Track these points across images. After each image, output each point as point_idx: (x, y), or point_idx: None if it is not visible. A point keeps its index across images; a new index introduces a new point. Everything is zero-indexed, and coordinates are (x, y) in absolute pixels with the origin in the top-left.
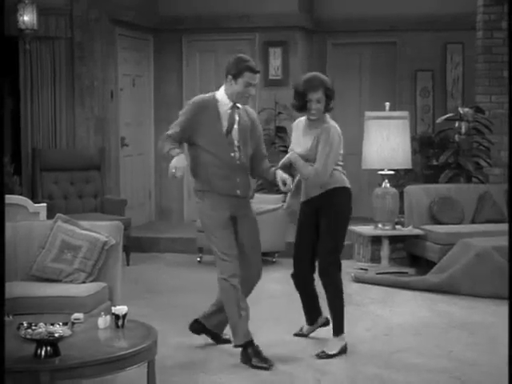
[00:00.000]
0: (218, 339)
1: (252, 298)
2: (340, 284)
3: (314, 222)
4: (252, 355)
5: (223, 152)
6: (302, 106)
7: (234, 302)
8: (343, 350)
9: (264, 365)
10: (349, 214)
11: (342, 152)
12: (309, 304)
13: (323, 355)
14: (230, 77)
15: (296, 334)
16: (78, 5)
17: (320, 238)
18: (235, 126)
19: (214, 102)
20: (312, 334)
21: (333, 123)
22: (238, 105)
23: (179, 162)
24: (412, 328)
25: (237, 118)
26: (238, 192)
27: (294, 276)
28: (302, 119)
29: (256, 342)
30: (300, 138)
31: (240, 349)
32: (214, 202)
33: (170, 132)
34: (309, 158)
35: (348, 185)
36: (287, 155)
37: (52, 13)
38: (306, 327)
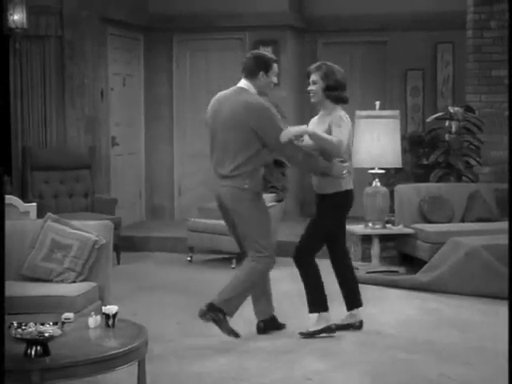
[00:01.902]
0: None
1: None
2: (314, 270)
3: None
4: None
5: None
6: None
7: (255, 284)
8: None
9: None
10: (342, 218)
11: (351, 146)
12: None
13: (305, 333)
14: (261, 73)
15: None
16: (69, 3)
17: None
18: None
19: None
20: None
21: (343, 113)
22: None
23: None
24: (402, 326)
25: None
26: None
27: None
28: (316, 116)
29: (244, 339)
30: (314, 128)
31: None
32: (263, 201)
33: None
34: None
35: (348, 187)
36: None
37: (42, 11)
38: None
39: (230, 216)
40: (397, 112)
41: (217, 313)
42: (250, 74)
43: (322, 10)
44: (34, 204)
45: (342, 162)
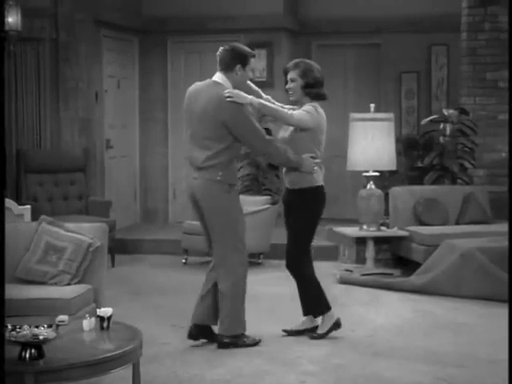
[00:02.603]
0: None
1: None
2: (309, 273)
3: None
4: (241, 341)
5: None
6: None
7: (243, 291)
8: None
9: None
10: (315, 215)
11: (323, 141)
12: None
13: (316, 336)
14: (238, 66)
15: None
16: (63, 6)
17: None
18: None
19: None
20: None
21: (313, 108)
22: None
23: None
24: (396, 329)
25: None
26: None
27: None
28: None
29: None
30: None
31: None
32: (237, 196)
33: (267, 135)
34: (292, 141)
35: (320, 183)
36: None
37: (36, 14)
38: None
39: (202, 212)
40: (391, 114)
41: (233, 339)
42: (226, 67)
43: (316, 13)
44: (29, 206)
45: (313, 157)
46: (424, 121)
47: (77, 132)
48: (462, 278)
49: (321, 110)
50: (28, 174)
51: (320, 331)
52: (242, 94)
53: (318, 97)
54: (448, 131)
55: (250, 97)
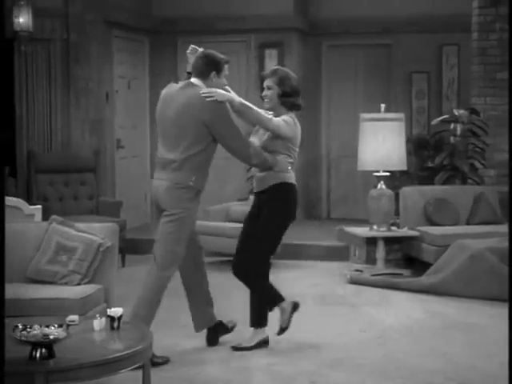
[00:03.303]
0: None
1: (246, 299)
2: (263, 282)
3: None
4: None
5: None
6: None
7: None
8: (262, 343)
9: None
10: (286, 215)
11: (297, 150)
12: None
13: (240, 347)
14: (213, 73)
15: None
16: (74, 6)
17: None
18: None
19: None
20: (305, 336)
21: (291, 119)
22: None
23: None
24: (406, 329)
25: None
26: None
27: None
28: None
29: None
30: (259, 130)
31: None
32: (198, 204)
33: (250, 145)
34: (265, 148)
35: (293, 181)
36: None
37: (47, 14)
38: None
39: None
40: (402, 115)
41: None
42: (201, 74)
43: (326, 13)
44: (39, 206)
45: (288, 157)
46: (434, 121)
47: (87, 132)
48: (472, 278)
49: (298, 122)
50: (39, 174)
51: (246, 344)
52: (220, 91)
53: (294, 106)
54: (458, 131)
55: (230, 94)
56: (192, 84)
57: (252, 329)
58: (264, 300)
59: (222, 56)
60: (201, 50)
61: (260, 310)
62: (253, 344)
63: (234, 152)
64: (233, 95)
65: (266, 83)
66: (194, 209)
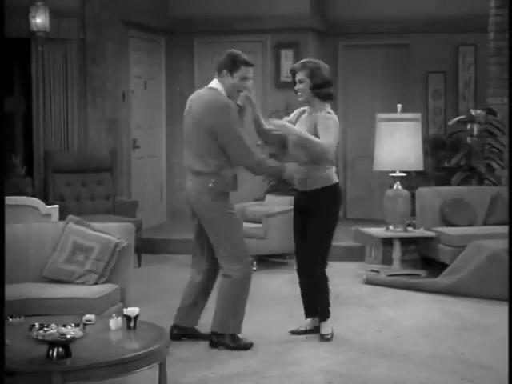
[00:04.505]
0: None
1: (262, 299)
2: (324, 279)
3: (304, 214)
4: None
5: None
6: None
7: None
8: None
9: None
10: (335, 214)
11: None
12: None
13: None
14: (225, 71)
15: (293, 332)
16: (91, 7)
17: (308, 237)
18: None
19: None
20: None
21: (329, 114)
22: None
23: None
24: (423, 330)
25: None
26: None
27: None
28: (302, 109)
29: (266, 343)
30: (301, 123)
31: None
32: (229, 201)
33: (254, 154)
34: (303, 144)
35: (336, 180)
36: (276, 122)
37: (64, 15)
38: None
39: (197, 219)
40: (418, 115)
41: (224, 339)
42: (218, 72)
43: (342, 13)
44: (56, 206)
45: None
46: (451, 121)
47: (104, 132)
48: (489, 279)
49: (335, 116)
50: (55, 173)
51: (325, 332)
52: (288, 126)
53: (328, 97)
54: (475, 131)
55: (291, 129)
56: (210, 89)
57: (322, 323)
58: (327, 292)
59: (242, 57)
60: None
61: (326, 303)
62: (330, 333)
63: (235, 161)
64: (292, 129)
65: (298, 77)
66: (222, 208)
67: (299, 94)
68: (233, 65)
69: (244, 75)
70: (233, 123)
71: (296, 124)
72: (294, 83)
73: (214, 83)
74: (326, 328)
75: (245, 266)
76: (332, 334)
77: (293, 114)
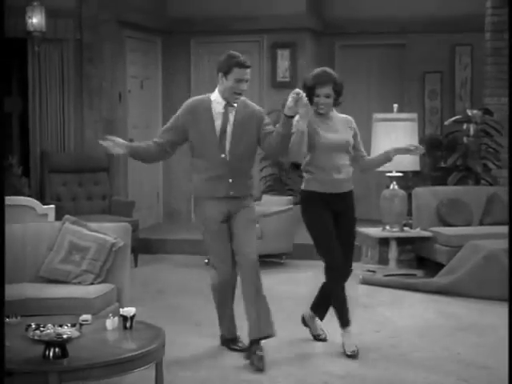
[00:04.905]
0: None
1: None
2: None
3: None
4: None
5: (214, 153)
6: (309, 101)
7: (217, 300)
8: None
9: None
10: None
11: None
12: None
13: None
14: (220, 74)
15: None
16: (87, 7)
17: (349, 243)
18: (229, 126)
19: (208, 103)
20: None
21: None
22: (234, 103)
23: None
24: (420, 330)
25: (231, 117)
26: (232, 193)
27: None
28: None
29: (267, 343)
30: (326, 130)
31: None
32: (206, 208)
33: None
34: (346, 149)
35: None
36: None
37: (61, 15)
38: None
39: None
40: (415, 115)
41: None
42: (216, 74)
43: (339, 13)
44: (53, 206)
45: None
46: (447, 121)
47: (100, 132)
48: (485, 279)
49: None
50: (52, 173)
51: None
52: (302, 123)
53: (338, 104)
54: (472, 131)
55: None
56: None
57: (346, 329)
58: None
59: (236, 59)
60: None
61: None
62: (356, 349)
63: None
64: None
65: (325, 91)
66: (199, 215)
67: (322, 107)
68: (226, 67)
69: (238, 77)
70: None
71: (319, 132)
72: (311, 95)
73: (216, 89)
74: (348, 343)
75: (217, 275)
76: (357, 350)
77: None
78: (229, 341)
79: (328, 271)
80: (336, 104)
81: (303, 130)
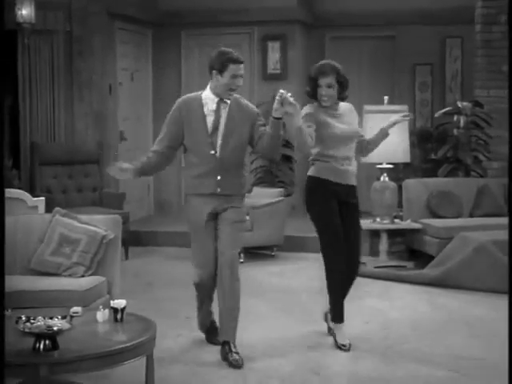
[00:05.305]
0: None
1: (250, 291)
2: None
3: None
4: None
5: (204, 150)
6: (313, 93)
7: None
8: None
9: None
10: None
11: None
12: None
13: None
14: (214, 72)
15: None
16: None
17: (355, 233)
18: (221, 122)
19: (199, 100)
20: (312, 329)
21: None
22: (226, 100)
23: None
24: (410, 322)
25: (224, 113)
26: (219, 190)
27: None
28: (314, 109)
29: (252, 335)
30: (337, 121)
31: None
32: (195, 204)
33: (153, 147)
34: (354, 140)
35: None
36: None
37: (50, 6)
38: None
39: None
40: (405, 107)
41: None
42: (209, 71)
43: (330, 5)
44: (43, 198)
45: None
46: (438, 113)
47: (91, 124)
48: (475, 271)
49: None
50: (42, 166)
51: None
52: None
53: (343, 98)
54: (462, 123)
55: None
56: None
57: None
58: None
59: (230, 56)
60: (284, 92)
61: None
62: (348, 343)
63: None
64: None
65: (327, 81)
66: (187, 211)
67: (325, 99)
68: (221, 64)
69: (234, 73)
70: (165, 124)
71: (330, 123)
72: (314, 88)
73: (207, 87)
74: (340, 335)
75: (196, 275)
76: (349, 344)
77: (307, 116)
78: (209, 333)
79: (329, 273)
80: (342, 98)
81: (298, 125)
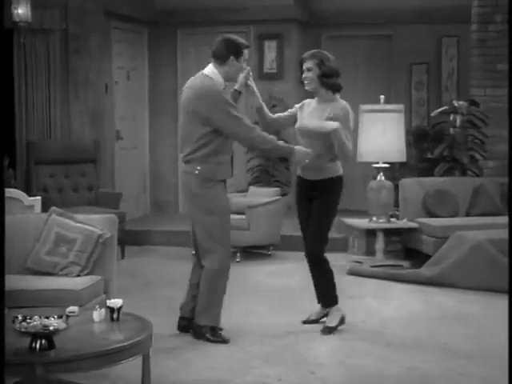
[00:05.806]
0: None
1: (246, 291)
2: (328, 265)
3: (309, 201)
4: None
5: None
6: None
7: (221, 286)
8: (342, 321)
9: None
10: (337, 204)
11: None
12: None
13: (325, 330)
14: (232, 57)
15: (305, 322)
16: None
17: (311, 224)
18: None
19: (222, 86)
20: (308, 327)
21: (344, 103)
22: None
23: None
24: (406, 320)
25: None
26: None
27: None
28: (308, 101)
29: (249, 333)
30: (311, 113)
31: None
32: (222, 189)
33: (250, 123)
34: (317, 137)
35: (341, 173)
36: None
37: (47, 5)
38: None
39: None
40: (401, 106)
41: (204, 331)
42: (220, 59)
43: (326, 4)
44: (39, 198)
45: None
46: (434, 112)
47: (87, 123)
48: (472, 270)
49: (347, 105)
50: (38, 165)
51: (330, 324)
52: (326, 123)
53: (334, 87)
54: (458, 122)
55: (336, 124)
56: (203, 75)
57: (328, 309)
58: (332, 277)
59: (241, 41)
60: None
61: (331, 289)
62: (336, 324)
63: (238, 138)
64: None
65: (306, 65)
66: (209, 195)
67: (306, 82)
68: (237, 49)
69: (246, 58)
70: (229, 107)
71: (303, 116)
72: (301, 73)
73: (209, 70)
74: (330, 318)
75: (220, 258)
76: (337, 326)
77: (297, 106)
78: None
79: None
80: (327, 86)
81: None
